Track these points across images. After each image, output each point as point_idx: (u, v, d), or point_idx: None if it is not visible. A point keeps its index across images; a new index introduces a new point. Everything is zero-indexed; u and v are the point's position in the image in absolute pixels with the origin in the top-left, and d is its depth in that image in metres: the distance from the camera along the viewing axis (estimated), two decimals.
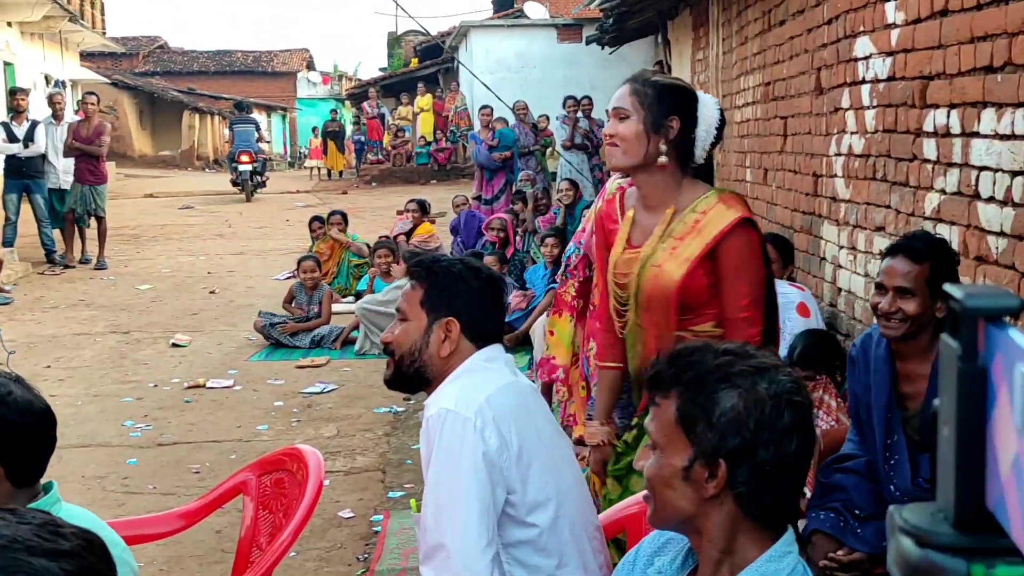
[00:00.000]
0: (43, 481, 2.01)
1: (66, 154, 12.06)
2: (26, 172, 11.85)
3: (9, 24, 18.72)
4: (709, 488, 1.56)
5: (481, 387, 2.26)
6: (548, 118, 15.30)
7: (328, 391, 6.91)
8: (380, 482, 5.17)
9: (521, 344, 7.40)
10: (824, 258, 5.42)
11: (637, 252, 2.79)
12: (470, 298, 2.36)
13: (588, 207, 9.01)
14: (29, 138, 11.76)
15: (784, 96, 6.21)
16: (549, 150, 15.12)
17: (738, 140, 7.53)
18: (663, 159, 2.71)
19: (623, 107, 2.74)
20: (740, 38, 7.57)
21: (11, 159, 11.86)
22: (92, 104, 12.59)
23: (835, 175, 5.18)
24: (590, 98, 14.78)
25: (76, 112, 15.58)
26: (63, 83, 21.24)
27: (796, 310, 4.69)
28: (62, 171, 12.17)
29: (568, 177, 11.67)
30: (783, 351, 4.02)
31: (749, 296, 2.70)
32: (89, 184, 12.10)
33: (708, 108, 2.77)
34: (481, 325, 2.38)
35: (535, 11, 22.42)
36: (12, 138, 11.78)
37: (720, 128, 2.78)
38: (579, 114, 14.21)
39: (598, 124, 14.31)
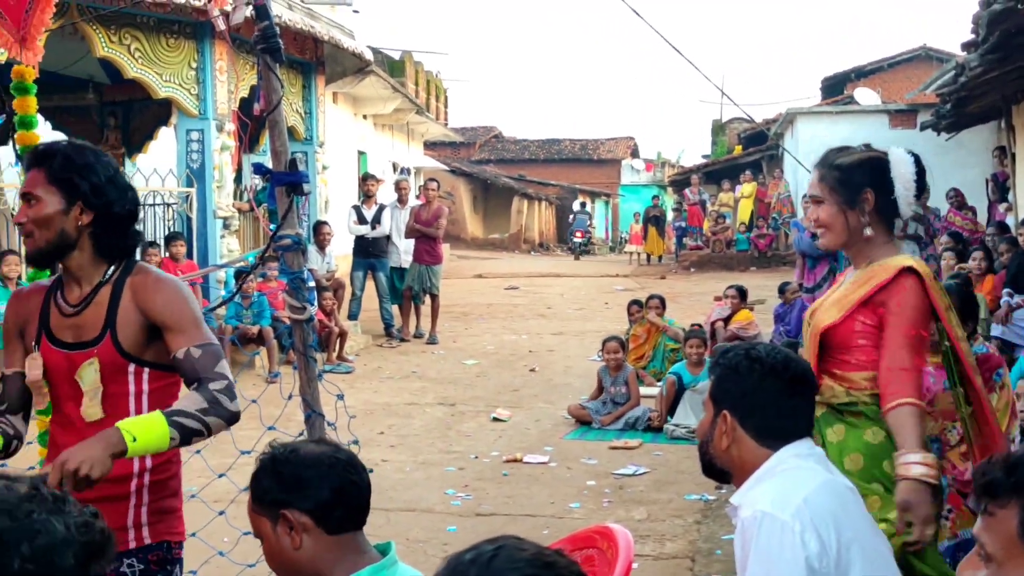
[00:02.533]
0: (380, 542, 2.14)
1: (407, 235, 13.01)
2: (372, 252, 12.90)
3: (364, 117, 20.58)
4: None
5: (798, 487, 2.19)
6: None
7: (640, 474, 6.94)
8: (689, 570, 5.11)
9: None
10: None
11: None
12: (746, 392, 2.28)
13: None
14: (377, 220, 12.83)
15: None
16: None
17: None
18: (868, 231, 2.83)
19: (816, 194, 2.89)
20: None
21: (360, 239, 12.95)
22: (432, 190, 13.54)
23: None
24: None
25: (418, 197, 16.77)
26: (408, 170, 22.98)
27: None
28: (403, 251, 13.13)
29: None
30: None
31: (912, 335, 2.71)
32: (426, 264, 12.97)
33: (901, 166, 2.82)
34: (762, 420, 2.28)
35: (866, 97, 21.82)
36: (362, 220, 12.90)
37: (920, 178, 2.81)
38: None
39: (934, 213, 13.64)
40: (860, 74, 25.41)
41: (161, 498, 2.64)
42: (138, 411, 2.56)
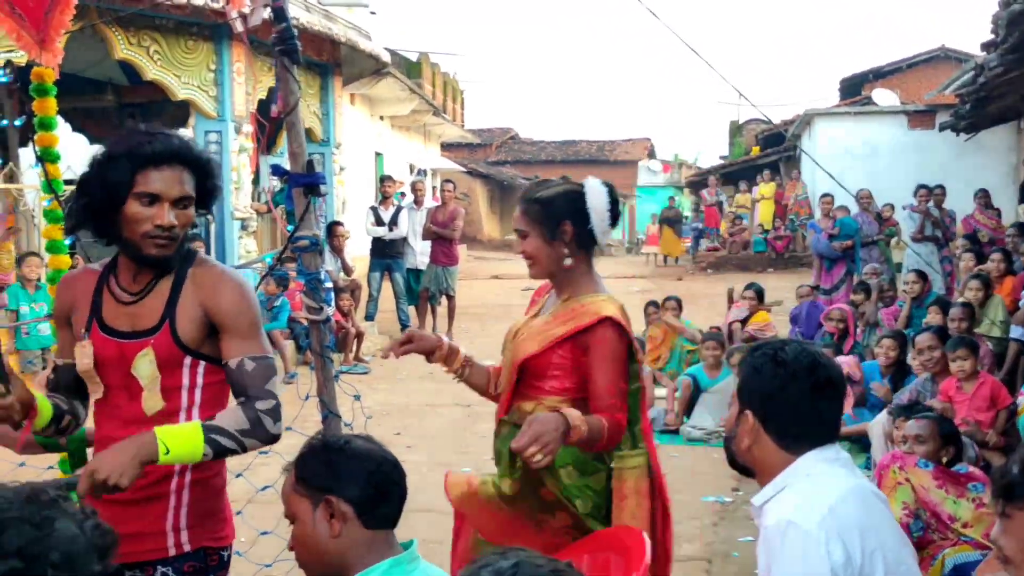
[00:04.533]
0: (403, 540, 2.16)
1: (424, 237, 13.03)
2: (388, 253, 12.93)
3: (381, 118, 20.63)
4: None
5: (823, 495, 2.16)
6: (893, 207, 14.67)
7: None
8: (705, 572, 5.10)
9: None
10: None
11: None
12: (769, 394, 2.24)
13: (937, 301, 8.54)
14: (393, 222, 12.86)
15: None
16: (894, 240, 14.47)
17: None
18: (568, 261, 2.99)
19: (519, 227, 3.05)
20: None
21: (377, 240, 12.99)
22: (449, 191, 13.56)
23: None
24: (943, 187, 14.05)
25: (434, 198, 16.81)
26: (424, 171, 23.03)
27: None
28: (419, 252, 13.16)
29: (915, 268, 11.12)
30: None
31: (617, 386, 2.87)
32: (442, 265, 12.98)
33: (595, 196, 2.96)
34: (784, 424, 2.24)
35: (884, 98, 21.73)
36: (379, 222, 12.93)
37: (614, 207, 2.98)
38: (930, 204, 13.54)
39: (950, 215, 13.58)
40: (878, 75, 25.29)
41: (203, 499, 2.55)
42: (190, 404, 2.50)
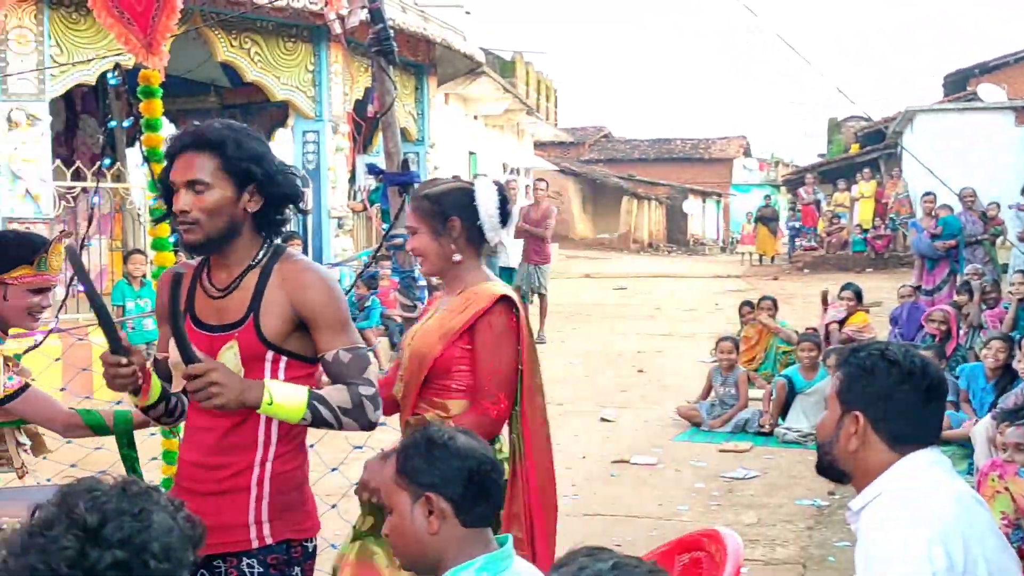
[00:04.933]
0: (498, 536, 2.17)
1: (516, 235, 13.07)
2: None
3: (475, 117, 20.75)
4: None
5: (926, 499, 2.11)
6: (998, 206, 14.23)
7: (750, 477, 6.84)
8: None
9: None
10: None
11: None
12: (880, 393, 2.19)
13: None
14: None
15: None
16: (999, 240, 14.04)
17: None
18: (457, 256, 3.01)
19: (411, 224, 3.06)
20: None
21: None
22: (541, 190, 13.57)
23: None
24: None
25: (527, 196, 16.84)
26: (517, 170, 23.09)
27: None
28: (512, 251, 13.20)
29: (1022, 269, 10.77)
30: None
31: (501, 373, 2.90)
32: (535, 264, 13.01)
33: (484, 194, 3.01)
34: (897, 425, 2.19)
35: (991, 94, 21.08)
36: None
37: (503, 206, 3.02)
38: None
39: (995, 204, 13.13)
40: (984, 69, 24.53)
41: (284, 492, 2.56)
42: None
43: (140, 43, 3.47)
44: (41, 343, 4.44)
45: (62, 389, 7.94)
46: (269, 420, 2.51)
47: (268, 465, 2.54)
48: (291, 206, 2.62)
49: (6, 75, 9.32)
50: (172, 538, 1.43)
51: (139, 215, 10.85)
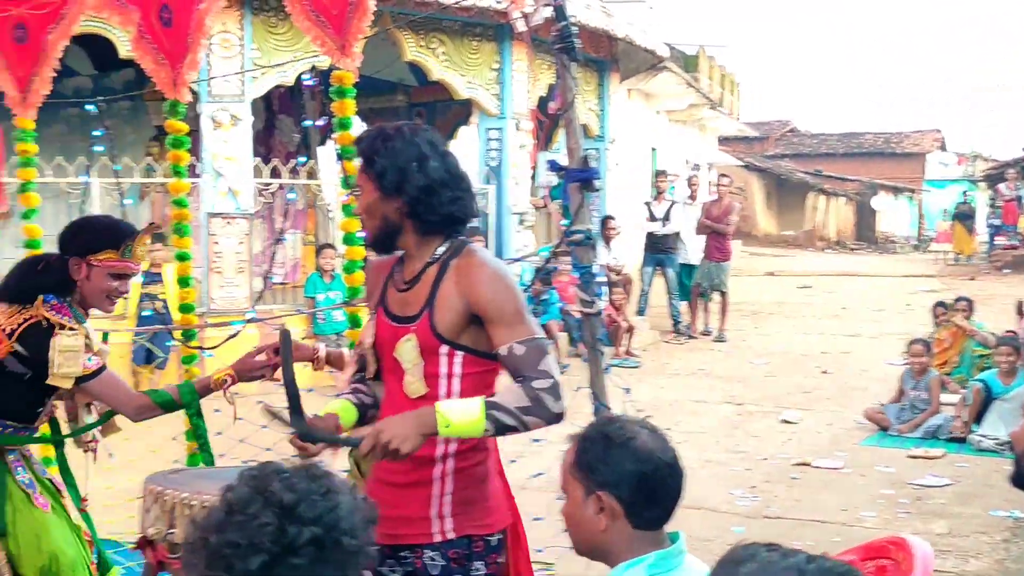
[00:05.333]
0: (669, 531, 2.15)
1: (698, 231, 12.92)
2: (661, 248, 12.92)
3: (657, 112, 20.60)
4: None
5: None
6: None
7: (941, 485, 6.56)
8: None
9: None
10: None
11: None
12: None
13: None
14: (666, 217, 12.83)
15: None
16: None
17: None
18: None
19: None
20: None
21: (650, 235, 13.00)
22: (724, 185, 13.37)
23: None
24: None
25: (709, 192, 16.63)
26: (699, 165, 22.81)
27: None
28: (692, 248, 13.06)
29: None
30: None
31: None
32: (715, 261, 12.82)
33: None
34: None
35: None
36: (652, 217, 12.94)
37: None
38: None
39: None
40: None
41: (466, 487, 2.58)
42: (449, 394, 2.56)
43: (334, 45, 3.61)
44: (238, 333, 4.69)
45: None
46: None
47: (450, 461, 2.58)
48: (451, 202, 2.61)
49: (211, 78, 9.85)
50: (357, 518, 1.49)
51: (330, 211, 11.27)
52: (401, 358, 2.60)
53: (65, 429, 3.59)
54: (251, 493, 1.46)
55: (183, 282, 4.32)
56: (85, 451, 3.71)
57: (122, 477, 5.96)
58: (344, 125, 3.92)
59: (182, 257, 4.34)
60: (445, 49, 11.39)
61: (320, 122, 12.35)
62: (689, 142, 23.70)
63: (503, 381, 2.61)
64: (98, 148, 11.83)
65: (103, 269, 3.21)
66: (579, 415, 3.97)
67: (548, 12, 3.47)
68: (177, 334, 4.57)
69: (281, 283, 12.05)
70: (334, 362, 3.49)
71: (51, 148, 10.08)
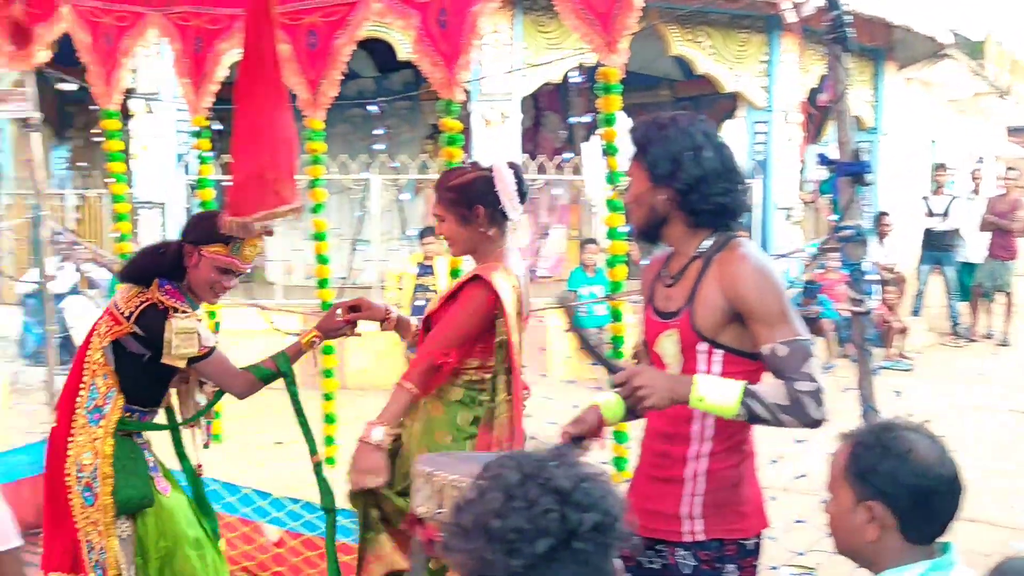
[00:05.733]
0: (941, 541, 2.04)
1: (982, 228, 12.14)
2: (939, 245, 12.24)
3: (939, 102, 19.50)
4: None
5: None
6: None
7: None
8: None
9: None
10: None
11: None
12: None
13: None
14: (946, 213, 12.13)
15: None
16: None
17: None
18: (491, 231, 3.24)
19: (437, 213, 3.29)
20: None
21: (928, 232, 12.34)
22: (1011, 179, 12.49)
23: None
24: None
25: (996, 186, 15.60)
26: (984, 158, 21.40)
27: None
28: (973, 245, 12.28)
29: None
30: None
31: (450, 333, 3.15)
32: (1000, 259, 12.01)
33: (503, 179, 3.20)
34: None
35: None
36: (931, 212, 12.27)
37: (520, 184, 3.23)
38: None
39: None
40: None
41: (717, 490, 2.55)
42: None
43: (602, 42, 3.66)
44: None
45: (523, 366, 8.60)
46: (705, 416, 2.51)
47: (703, 461, 2.56)
48: (723, 195, 2.57)
49: (482, 77, 10.21)
50: (619, 502, 1.53)
51: (594, 206, 11.40)
52: (662, 354, 2.60)
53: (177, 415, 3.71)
54: (524, 478, 1.49)
55: (454, 274, 4.49)
56: (194, 429, 3.80)
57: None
58: (609, 121, 3.97)
59: None
60: (712, 42, 11.27)
61: (586, 118, 12.52)
62: (973, 133, 22.27)
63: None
64: (378, 146, 12.51)
65: (211, 261, 3.35)
66: (845, 417, 3.85)
67: (820, 1, 3.38)
68: None
69: (544, 277, 12.31)
70: (400, 327, 3.60)
71: (336, 147, 10.78)
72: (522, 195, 3.33)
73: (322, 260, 4.82)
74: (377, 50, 10.97)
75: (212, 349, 3.34)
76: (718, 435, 2.55)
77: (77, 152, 15.14)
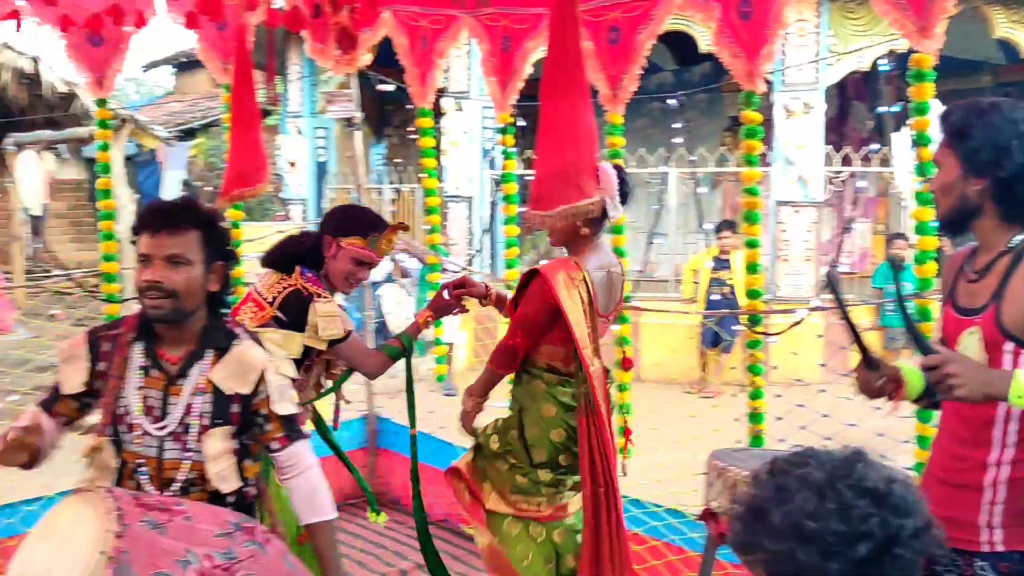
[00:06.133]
0: None
1: None
2: None
3: None
4: None
5: None
6: None
7: None
8: None
9: None
10: None
11: None
12: None
13: None
14: None
15: None
16: None
17: None
18: (584, 230, 3.54)
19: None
20: None
21: None
22: None
23: None
24: None
25: None
26: None
27: None
28: None
29: None
30: None
31: (520, 322, 3.57)
32: None
33: (607, 180, 3.52)
34: None
35: None
36: None
37: (623, 186, 3.57)
38: None
39: None
40: None
41: (1019, 498, 2.39)
42: None
43: (914, 28, 3.50)
44: (802, 320, 4.73)
45: (821, 365, 8.35)
46: (1008, 420, 2.36)
47: (1004, 468, 2.40)
48: None
49: (785, 68, 9.97)
50: (925, 506, 1.46)
51: (903, 199, 10.86)
52: (964, 351, 2.44)
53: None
54: (831, 478, 1.44)
55: (751, 268, 4.44)
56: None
57: (663, 454, 6.36)
58: (921, 110, 3.78)
59: (751, 244, 4.45)
60: None
61: (895, 108, 11.94)
62: None
63: None
64: (677, 140, 12.50)
65: (348, 252, 3.51)
66: None
67: None
68: (743, 319, 4.71)
69: (848, 272, 11.86)
70: (499, 304, 3.83)
71: (634, 141, 10.88)
72: (624, 195, 3.60)
73: (619, 253, 4.90)
74: (677, 43, 10.96)
75: (350, 332, 3.53)
76: (1021, 442, 2.38)
77: (393, 149, 16.17)
